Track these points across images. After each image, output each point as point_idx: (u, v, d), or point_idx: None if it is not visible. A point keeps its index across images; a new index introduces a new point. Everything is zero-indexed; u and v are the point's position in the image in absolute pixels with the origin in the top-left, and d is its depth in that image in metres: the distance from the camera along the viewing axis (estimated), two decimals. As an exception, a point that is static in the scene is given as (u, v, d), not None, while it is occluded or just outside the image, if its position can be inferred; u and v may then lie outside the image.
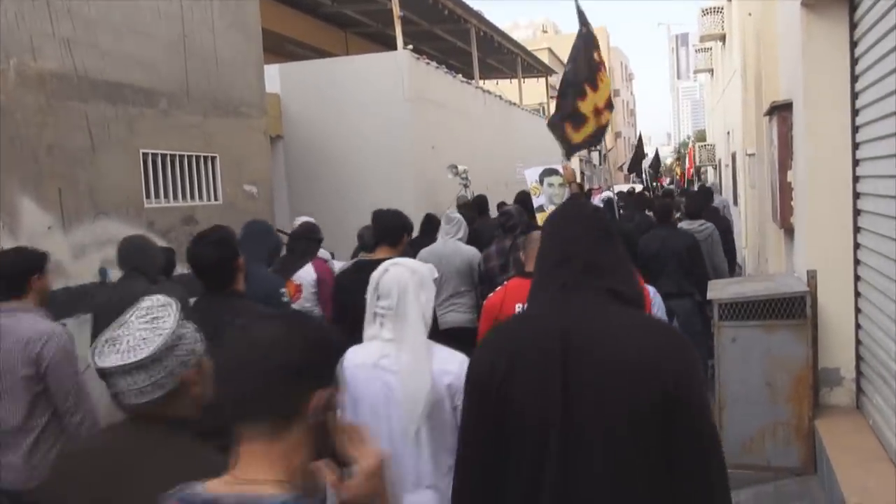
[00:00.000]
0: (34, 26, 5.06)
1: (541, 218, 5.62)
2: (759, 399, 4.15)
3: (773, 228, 6.62)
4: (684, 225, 6.59)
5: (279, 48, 12.57)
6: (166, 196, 6.43)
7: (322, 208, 8.74)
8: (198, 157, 6.85)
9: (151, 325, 1.55)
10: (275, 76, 10.17)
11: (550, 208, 5.75)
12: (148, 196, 6.17)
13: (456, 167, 10.35)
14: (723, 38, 15.36)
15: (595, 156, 33.19)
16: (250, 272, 3.22)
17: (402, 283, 2.31)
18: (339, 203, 9.74)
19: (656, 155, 24.26)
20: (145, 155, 6.14)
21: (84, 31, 5.50)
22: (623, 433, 1.50)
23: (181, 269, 4.71)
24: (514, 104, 17.26)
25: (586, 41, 6.26)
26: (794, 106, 4.87)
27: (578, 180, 10.14)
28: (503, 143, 15.27)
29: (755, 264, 9.59)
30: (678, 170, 36.14)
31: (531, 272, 3.81)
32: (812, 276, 4.25)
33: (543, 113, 22.29)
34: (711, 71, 19.46)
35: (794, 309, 4.14)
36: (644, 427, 1.50)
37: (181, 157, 6.62)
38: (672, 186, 24.67)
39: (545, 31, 56.88)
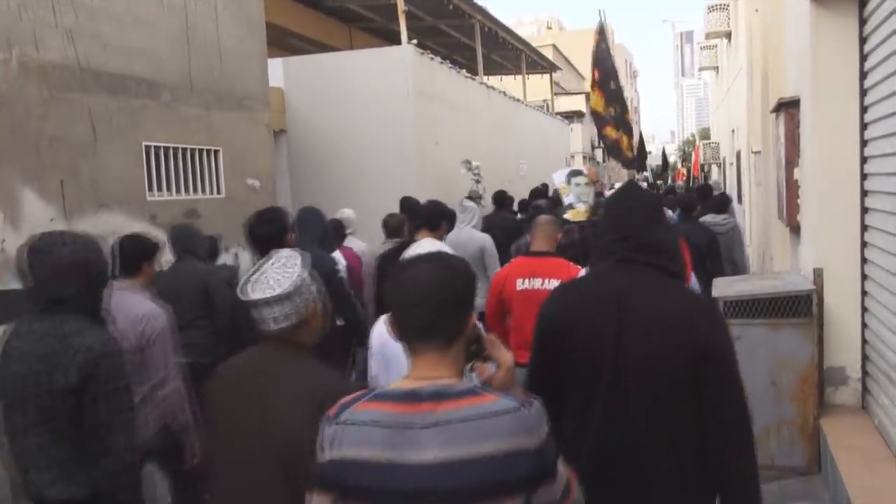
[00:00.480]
0: (36, 16, 5.03)
1: (571, 215, 5.88)
2: (763, 397, 4.11)
3: (779, 226, 6.58)
4: (708, 219, 6.78)
5: (283, 42, 12.54)
6: (168, 189, 6.40)
7: (325, 203, 8.64)
8: (200, 151, 6.82)
9: (284, 269, 2.00)
10: (278, 70, 10.12)
11: (579, 205, 6.14)
12: (150, 189, 6.14)
13: (469, 162, 10.30)
14: (728, 35, 15.27)
15: (599, 153, 33.14)
16: (307, 253, 3.61)
17: None
18: (342, 198, 9.68)
19: (663, 154, 24.27)
20: (147, 147, 6.11)
21: (87, 22, 5.47)
22: (660, 376, 1.88)
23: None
24: (518, 100, 17.20)
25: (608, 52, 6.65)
26: (802, 102, 4.83)
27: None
28: (507, 139, 15.22)
29: (760, 262, 9.55)
30: (683, 168, 36.17)
31: (535, 251, 4.04)
32: (818, 275, 4.22)
33: (547, 109, 22.23)
34: (716, 68, 19.35)
35: (800, 307, 4.10)
36: (679, 372, 1.87)
37: (184, 149, 6.59)
38: (681, 183, 24.73)
39: (549, 28, 56.84)
